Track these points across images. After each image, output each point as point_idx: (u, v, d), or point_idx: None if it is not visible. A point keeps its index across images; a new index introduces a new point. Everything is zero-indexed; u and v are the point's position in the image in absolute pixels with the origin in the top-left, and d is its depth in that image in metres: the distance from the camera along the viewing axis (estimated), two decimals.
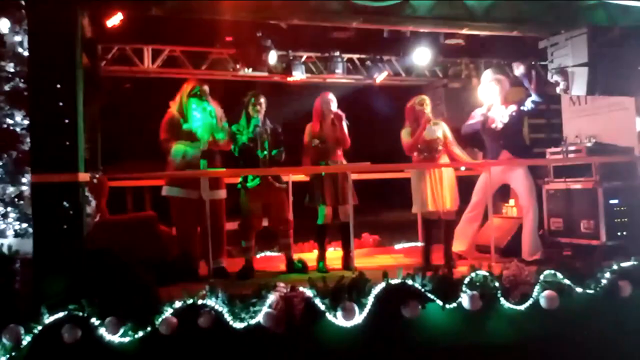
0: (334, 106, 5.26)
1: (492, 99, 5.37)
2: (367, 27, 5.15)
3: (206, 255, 4.75)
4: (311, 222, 5.38)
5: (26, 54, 4.01)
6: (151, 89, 6.80)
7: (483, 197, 5.33)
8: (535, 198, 5.31)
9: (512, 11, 4.88)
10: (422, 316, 3.81)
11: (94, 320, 3.41)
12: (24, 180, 4.02)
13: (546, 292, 4.01)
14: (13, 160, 4.03)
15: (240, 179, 5.11)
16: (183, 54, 6.62)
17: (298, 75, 6.73)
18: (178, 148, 4.83)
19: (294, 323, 3.61)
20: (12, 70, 4.10)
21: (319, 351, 3.71)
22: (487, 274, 4.02)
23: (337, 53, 6.96)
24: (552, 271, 4.14)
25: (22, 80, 4.08)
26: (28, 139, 3.97)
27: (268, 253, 6.29)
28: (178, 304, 3.55)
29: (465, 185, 5.48)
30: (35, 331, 3.37)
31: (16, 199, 4.00)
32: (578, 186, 5.42)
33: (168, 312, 3.51)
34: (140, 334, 3.46)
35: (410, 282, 3.84)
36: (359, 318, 3.68)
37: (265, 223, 5.37)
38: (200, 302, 3.58)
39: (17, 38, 4.13)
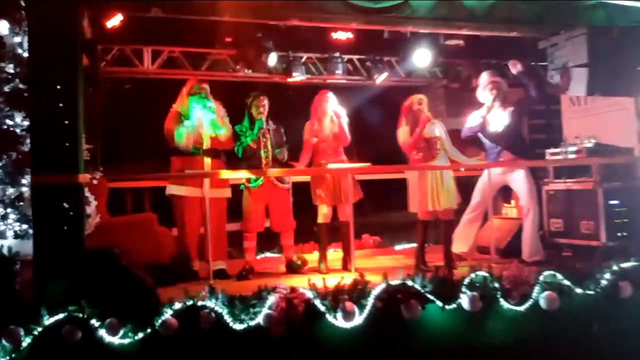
0: (332, 104, 5.28)
1: (490, 101, 5.37)
2: (367, 28, 5.16)
3: (206, 256, 4.75)
4: (311, 222, 5.39)
5: (26, 55, 4.00)
6: (151, 89, 6.80)
7: (483, 198, 5.33)
8: (535, 199, 5.32)
9: (512, 12, 4.88)
10: (422, 317, 3.81)
11: (94, 322, 3.42)
12: (24, 181, 4.01)
13: (546, 293, 4.02)
14: (13, 162, 4.02)
15: (243, 180, 5.11)
16: (183, 55, 6.62)
17: (298, 76, 6.73)
18: (179, 130, 4.88)
19: (294, 324, 3.61)
20: (11, 71, 4.09)
21: (319, 352, 3.71)
22: (487, 274, 4.02)
23: (337, 54, 6.97)
24: (552, 272, 4.14)
25: (22, 82, 4.07)
26: (28, 140, 3.96)
27: (268, 254, 6.29)
28: (178, 305, 3.55)
29: (465, 186, 5.48)
30: (35, 332, 3.38)
31: (16, 200, 3.99)
32: (578, 187, 5.42)
33: (168, 313, 3.52)
34: (140, 335, 3.46)
35: (410, 283, 3.84)
36: (359, 319, 3.68)
37: (266, 224, 5.36)
38: (200, 303, 3.58)
39: (17, 39, 4.12)
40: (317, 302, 3.67)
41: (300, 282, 3.95)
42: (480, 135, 5.43)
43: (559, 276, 4.12)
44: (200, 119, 4.91)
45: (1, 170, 4.02)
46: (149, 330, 3.47)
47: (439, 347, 3.86)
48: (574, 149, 5.57)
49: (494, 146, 5.38)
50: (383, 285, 3.79)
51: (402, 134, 5.22)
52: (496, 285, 3.99)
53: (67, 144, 3.73)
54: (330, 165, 5.18)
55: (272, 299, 3.62)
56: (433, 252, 5.40)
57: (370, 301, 3.73)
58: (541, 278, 4.10)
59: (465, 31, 5.22)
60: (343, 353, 3.72)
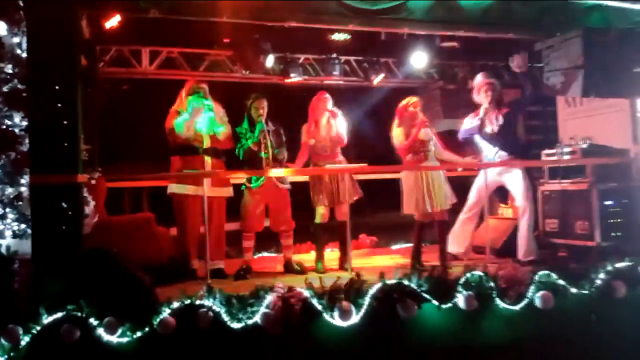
0: (329, 105, 5.31)
1: (485, 102, 5.40)
2: (364, 29, 5.18)
3: (204, 255, 4.75)
4: (308, 222, 5.41)
5: (25, 55, 4.01)
6: (149, 90, 6.81)
7: (479, 199, 5.36)
8: (531, 199, 5.35)
9: (508, 13, 4.91)
10: (418, 316, 3.83)
11: (93, 321, 3.44)
12: (22, 181, 4.02)
13: (541, 293, 4.05)
14: (12, 162, 4.03)
15: (244, 180, 5.13)
16: (181, 56, 6.63)
17: (295, 77, 6.75)
18: (178, 122, 4.88)
19: (291, 323, 3.63)
20: (10, 71, 4.10)
21: (316, 351, 3.73)
22: (482, 274, 4.05)
23: (334, 55, 6.99)
24: (547, 271, 4.17)
25: (21, 82, 4.08)
26: (27, 140, 3.97)
27: (265, 254, 6.31)
28: (176, 305, 3.57)
29: (460, 187, 5.51)
30: (34, 331, 3.39)
31: (15, 200, 4.00)
32: (573, 187, 5.46)
33: (166, 312, 3.53)
34: (139, 334, 3.47)
35: (406, 282, 3.87)
36: (355, 318, 3.71)
37: (265, 223, 5.38)
38: (198, 302, 3.60)
39: (16, 39, 4.13)
40: (314, 302, 3.69)
41: (297, 282, 3.97)
42: (476, 136, 5.46)
43: (554, 276, 4.15)
44: (198, 108, 4.89)
45: (0, 170, 4.03)
46: (147, 329, 3.49)
47: (435, 346, 3.88)
48: (569, 149, 5.61)
49: (490, 147, 5.41)
50: (379, 285, 3.82)
51: (397, 135, 5.24)
52: (492, 284, 4.02)
53: (65, 144, 3.75)
54: (328, 166, 5.21)
55: (269, 298, 3.64)
56: (428, 252, 5.42)
57: (366, 300, 3.75)
58: (536, 278, 4.13)
59: (461, 33, 5.24)
60: (340, 352, 3.74)
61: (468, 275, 4.02)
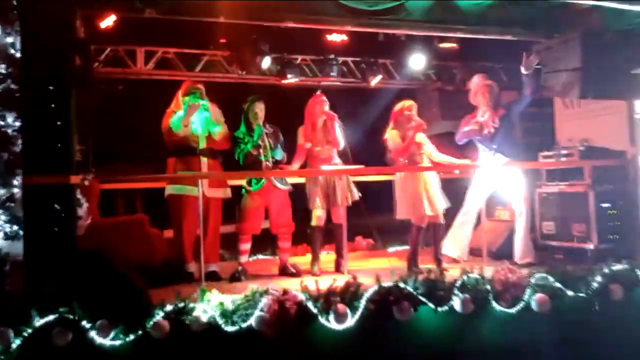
0: (326, 107, 5.28)
1: (483, 104, 5.38)
2: (362, 30, 5.16)
3: (199, 257, 4.72)
4: (304, 225, 5.38)
5: (18, 55, 3.98)
6: (144, 90, 6.77)
7: (476, 201, 5.34)
8: (528, 202, 5.34)
9: (506, 15, 4.90)
10: (414, 319, 3.82)
11: (85, 323, 3.40)
12: (15, 182, 3.98)
13: (537, 296, 4.04)
14: (4, 162, 3.98)
15: (244, 183, 5.10)
16: (177, 56, 6.60)
17: (292, 77, 6.73)
18: (174, 120, 4.84)
19: (287, 326, 3.60)
20: (3, 71, 4.06)
21: (312, 354, 3.72)
22: (479, 277, 4.03)
23: (332, 56, 6.97)
24: (544, 274, 4.16)
25: (14, 82, 4.04)
26: (20, 141, 3.94)
27: (260, 256, 6.28)
28: (169, 307, 3.54)
29: (456, 189, 5.49)
30: (25, 334, 3.36)
31: (7, 201, 3.96)
32: (570, 190, 5.44)
33: (159, 315, 3.50)
34: (132, 337, 3.44)
35: (402, 285, 3.85)
36: (351, 321, 3.68)
37: (263, 225, 5.34)
38: (192, 305, 3.57)
39: (9, 39, 4.09)
40: (310, 304, 3.67)
41: (292, 284, 3.95)
42: (474, 138, 5.44)
43: (551, 278, 4.14)
44: (193, 105, 4.84)
45: None
46: (140, 332, 3.46)
47: (431, 349, 3.87)
48: (566, 151, 5.59)
49: (487, 149, 5.39)
50: (375, 288, 3.80)
51: (393, 137, 5.20)
52: (488, 287, 4.01)
53: (59, 145, 3.73)
54: (324, 167, 5.18)
55: (264, 301, 3.62)
56: (424, 255, 5.40)
57: (362, 303, 3.73)
58: (533, 280, 4.11)
59: (459, 34, 5.23)
60: (335, 355, 3.72)
61: (464, 278, 4.01)
